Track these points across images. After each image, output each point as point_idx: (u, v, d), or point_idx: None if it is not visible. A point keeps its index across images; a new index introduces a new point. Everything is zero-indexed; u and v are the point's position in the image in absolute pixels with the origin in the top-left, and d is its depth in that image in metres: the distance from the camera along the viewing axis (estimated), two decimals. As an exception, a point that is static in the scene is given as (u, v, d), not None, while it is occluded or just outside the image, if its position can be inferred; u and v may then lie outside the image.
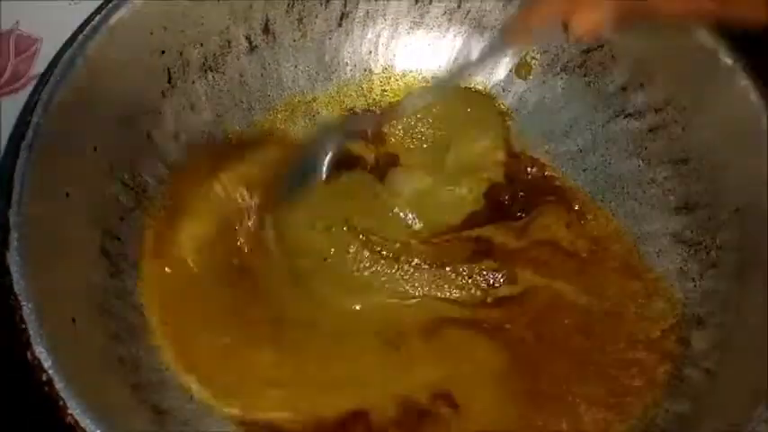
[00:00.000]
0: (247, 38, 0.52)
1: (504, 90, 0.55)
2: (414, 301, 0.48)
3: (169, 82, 0.49)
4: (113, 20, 0.44)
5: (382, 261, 0.48)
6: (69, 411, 0.34)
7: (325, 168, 0.50)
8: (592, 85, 0.53)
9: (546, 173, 0.53)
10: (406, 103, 0.54)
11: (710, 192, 0.47)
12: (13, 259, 0.36)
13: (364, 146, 0.52)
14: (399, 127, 0.54)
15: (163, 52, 0.48)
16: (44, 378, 0.34)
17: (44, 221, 0.39)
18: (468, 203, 0.51)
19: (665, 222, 0.49)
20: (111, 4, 0.45)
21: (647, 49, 0.50)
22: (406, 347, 0.46)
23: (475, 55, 0.52)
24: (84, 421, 0.34)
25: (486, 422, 0.44)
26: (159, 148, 0.48)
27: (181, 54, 0.49)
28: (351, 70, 0.55)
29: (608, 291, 0.49)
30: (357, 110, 0.55)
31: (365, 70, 0.55)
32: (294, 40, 0.53)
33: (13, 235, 0.37)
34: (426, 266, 0.48)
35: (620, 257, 0.50)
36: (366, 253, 0.48)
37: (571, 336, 0.47)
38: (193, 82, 0.50)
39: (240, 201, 0.49)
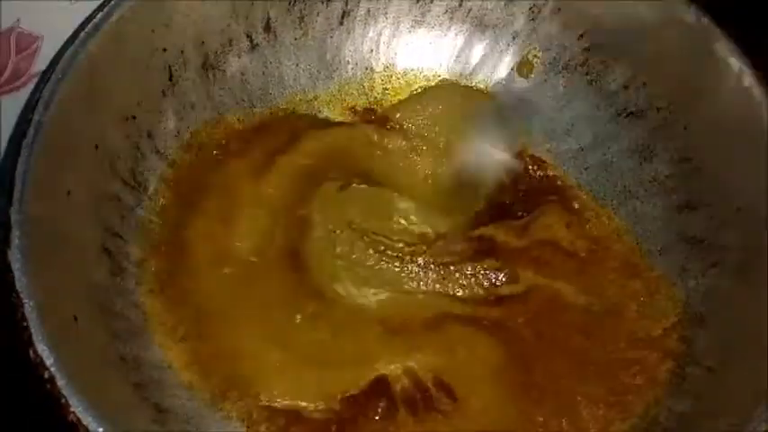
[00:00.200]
0: (249, 36, 0.52)
1: (505, 89, 0.55)
2: (418, 296, 0.48)
3: (170, 80, 0.49)
4: (115, 17, 0.44)
5: (386, 260, 0.48)
6: (71, 409, 0.33)
7: None
8: (593, 83, 0.53)
9: (548, 172, 0.53)
10: None
11: (712, 190, 0.47)
12: (14, 257, 0.36)
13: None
14: (400, 126, 0.54)
15: (164, 50, 0.48)
16: (46, 376, 0.34)
17: (45, 220, 0.39)
18: (470, 203, 0.51)
19: (667, 221, 0.49)
20: (112, 2, 0.45)
21: (649, 48, 0.50)
22: (410, 335, 0.46)
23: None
24: (87, 419, 0.33)
25: (485, 421, 0.44)
26: (160, 147, 0.48)
27: (182, 52, 0.49)
28: (352, 69, 0.55)
29: (609, 289, 0.48)
30: (358, 108, 0.55)
31: (366, 69, 0.55)
32: (295, 39, 0.53)
33: (15, 233, 0.37)
34: (430, 265, 0.48)
35: (622, 256, 0.50)
36: (371, 251, 0.48)
37: (572, 334, 0.47)
38: (194, 80, 0.50)
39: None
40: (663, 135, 0.50)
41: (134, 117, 0.47)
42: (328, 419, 0.43)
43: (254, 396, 0.43)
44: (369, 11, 0.54)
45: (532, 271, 0.49)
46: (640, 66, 0.51)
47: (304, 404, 0.43)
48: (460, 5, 0.54)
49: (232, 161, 0.50)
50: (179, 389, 0.42)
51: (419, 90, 0.56)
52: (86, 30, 0.44)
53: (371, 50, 0.55)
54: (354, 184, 0.50)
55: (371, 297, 0.47)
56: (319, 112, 0.54)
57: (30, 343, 0.35)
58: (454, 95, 0.55)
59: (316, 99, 0.54)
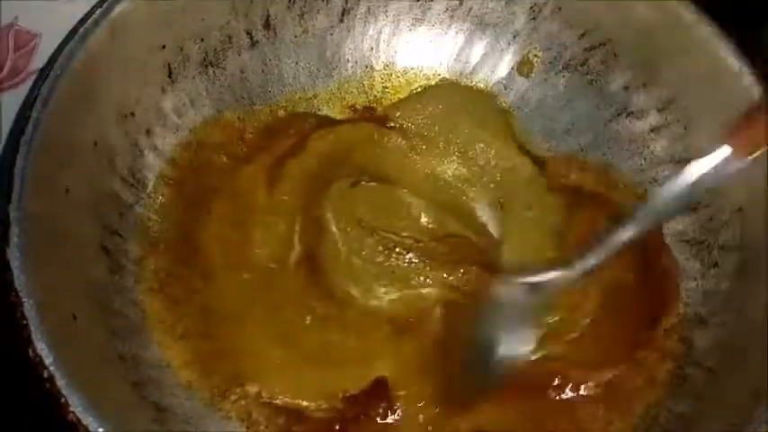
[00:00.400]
0: (248, 33, 0.51)
1: (505, 88, 0.55)
2: (428, 292, 0.48)
3: (169, 77, 0.49)
4: (114, 14, 0.44)
5: (395, 257, 0.48)
6: (71, 409, 0.33)
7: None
8: (594, 83, 0.53)
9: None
10: None
11: (712, 191, 0.47)
12: (13, 255, 0.36)
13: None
14: (400, 125, 0.54)
15: (163, 47, 0.48)
16: (45, 375, 0.34)
17: (44, 217, 0.39)
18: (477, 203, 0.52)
19: (667, 222, 0.49)
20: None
21: (649, 48, 0.50)
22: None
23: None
24: (86, 419, 0.33)
25: (485, 421, 0.44)
26: (159, 145, 0.48)
27: (181, 49, 0.49)
28: (352, 67, 0.55)
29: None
30: (358, 106, 0.55)
31: (366, 67, 0.55)
32: (295, 36, 0.53)
33: (14, 230, 0.37)
34: (438, 263, 0.48)
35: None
36: (380, 248, 0.48)
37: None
38: (194, 77, 0.50)
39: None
40: (663, 135, 0.50)
41: (133, 114, 0.46)
42: (330, 419, 0.43)
43: (255, 393, 0.43)
44: (369, 9, 0.54)
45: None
46: (641, 66, 0.51)
47: (305, 403, 0.43)
48: (461, 4, 0.54)
49: (242, 166, 0.50)
50: (178, 388, 0.42)
51: (419, 89, 0.56)
52: (85, 26, 0.43)
53: (371, 48, 0.55)
54: (363, 182, 0.50)
55: (383, 296, 0.47)
56: (319, 110, 0.54)
57: (29, 341, 0.35)
58: (454, 95, 0.55)
59: (315, 97, 0.54)
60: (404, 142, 0.53)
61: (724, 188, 0.46)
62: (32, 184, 0.39)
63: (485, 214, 0.52)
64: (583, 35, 0.52)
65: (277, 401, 0.43)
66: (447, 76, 0.56)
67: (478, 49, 0.55)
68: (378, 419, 0.43)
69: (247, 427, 0.42)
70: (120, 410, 0.37)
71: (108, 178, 0.45)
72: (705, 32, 0.47)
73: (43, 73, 0.42)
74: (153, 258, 0.46)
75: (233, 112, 0.52)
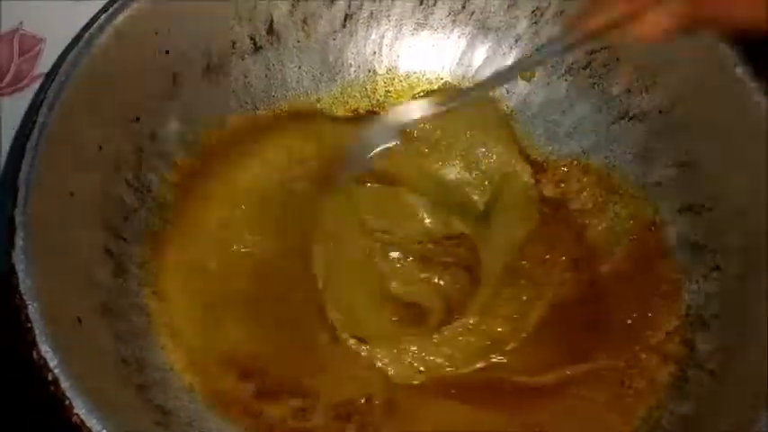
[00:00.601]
0: (252, 38, 0.52)
1: (507, 92, 0.55)
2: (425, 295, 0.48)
3: (174, 82, 0.49)
4: (119, 20, 0.44)
5: (395, 259, 0.48)
6: (75, 411, 0.33)
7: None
8: (596, 86, 0.53)
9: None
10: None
11: (715, 194, 0.47)
12: (18, 258, 0.36)
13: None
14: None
15: (167, 52, 0.48)
16: (50, 378, 0.34)
17: (49, 221, 0.39)
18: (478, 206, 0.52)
19: (670, 224, 0.49)
20: (116, 5, 0.45)
21: (651, 51, 0.50)
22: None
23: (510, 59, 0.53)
24: (91, 421, 0.33)
25: (485, 421, 0.44)
26: (164, 149, 0.48)
27: (185, 54, 0.49)
28: (355, 71, 0.55)
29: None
30: (361, 110, 0.55)
31: (369, 71, 0.55)
32: (298, 41, 0.53)
33: (19, 234, 0.37)
34: (438, 265, 0.48)
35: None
36: (379, 250, 0.48)
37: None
38: (198, 82, 0.50)
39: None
40: (665, 138, 0.50)
41: (138, 119, 0.47)
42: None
43: (257, 394, 0.43)
44: (372, 13, 0.54)
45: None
46: (643, 69, 0.51)
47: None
48: (463, 8, 0.54)
49: (246, 168, 0.50)
50: (181, 391, 0.42)
51: (421, 93, 0.56)
52: (90, 31, 0.44)
53: (374, 53, 0.55)
54: (369, 183, 0.50)
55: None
56: (322, 114, 0.54)
57: (33, 344, 0.35)
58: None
59: (318, 101, 0.55)
60: (406, 145, 0.53)
61: (727, 191, 0.47)
62: (38, 189, 0.39)
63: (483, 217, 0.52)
64: (584, 38, 0.52)
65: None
66: (449, 80, 0.56)
67: (481, 53, 0.55)
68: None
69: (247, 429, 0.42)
70: (124, 413, 0.37)
71: (113, 182, 0.45)
72: (708, 36, 0.47)
73: (49, 78, 0.43)
74: (157, 262, 0.46)
75: (237, 116, 0.52)
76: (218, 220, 0.48)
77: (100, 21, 0.44)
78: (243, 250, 0.48)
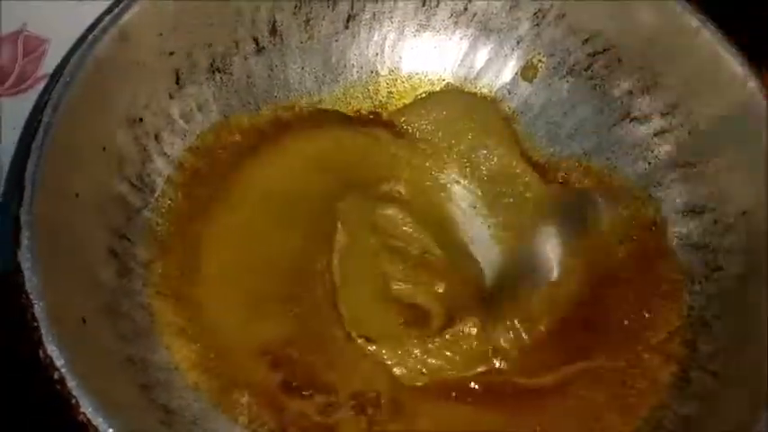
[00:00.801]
0: (255, 39, 0.52)
1: (509, 93, 0.55)
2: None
3: (177, 83, 0.49)
4: (123, 21, 0.44)
5: (398, 260, 0.48)
6: (81, 410, 0.34)
7: None
8: (598, 88, 0.53)
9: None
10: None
11: (717, 195, 0.48)
12: (24, 257, 0.36)
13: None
14: (405, 130, 0.54)
15: (172, 53, 0.48)
16: (56, 376, 0.34)
17: (54, 221, 0.39)
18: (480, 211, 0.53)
19: (672, 225, 0.50)
20: (120, 6, 0.45)
21: (653, 53, 0.50)
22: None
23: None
24: (97, 420, 0.34)
25: (485, 422, 0.44)
26: (167, 149, 0.48)
27: (189, 55, 0.49)
28: (357, 72, 0.55)
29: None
30: (363, 112, 0.55)
31: (371, 72, 0.56)
32: (301, 42, 0.53)
33: (25, 233, 0.37)
34: (438, 272, 0.49)
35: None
36: (386, 250, 0.49)
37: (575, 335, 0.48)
38: (201, 83, 0.50)
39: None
40: (666, 140, 0.51)
41: (141, 120, 0.47)
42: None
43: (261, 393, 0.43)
44: (374, 14, 0.54)
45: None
46: (644, 71, 0.51)
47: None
48: (465, 10, 0.55)
49: (250, 169, 0.50)
50: (186, 390, 0.42)
51: (423, 94, 0.56)
52: (95, 32, 0.44)
53: (376, 54, 0.55)
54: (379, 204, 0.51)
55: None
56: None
57: (39, 343, 0.35)
58: (458, 101, 0.55)
59: (320, 102, 0.55)
60: (409, 146, 0.53)
61: (728, 192, 0.47)
62: (43, 189, 0.39)
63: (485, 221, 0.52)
64: (586, 41, 0.53)
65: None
66: (451, 82, 0.56)
67: (483, 54, 0.55)
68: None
69: (253, 430, 0.42)
70: (129, 412, 0.37)
71: (116, 182, 0.45)
72: (709, 37, 0.48)
73: (53, 78, 0.43)
74: (161, 262, 0.46)
75: (239, 116, 0.52)
76: (227, 220, 0.48)
77: (104, 22, 0.44)
78: (247, 250, 0.48)
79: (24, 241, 0.37)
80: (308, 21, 0.53)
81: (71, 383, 0.34)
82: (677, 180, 0.50)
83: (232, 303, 0.46)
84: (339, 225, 0.48)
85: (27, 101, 0.51)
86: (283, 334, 0.45)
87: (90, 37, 0.44)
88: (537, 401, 0.45)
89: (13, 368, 0.45)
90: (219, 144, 0.51)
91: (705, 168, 0.49)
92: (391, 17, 0.55)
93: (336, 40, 0.54)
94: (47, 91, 0.42)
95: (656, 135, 0.51)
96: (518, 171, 0.53)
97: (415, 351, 0.45)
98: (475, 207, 0.53)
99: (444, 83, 0.56)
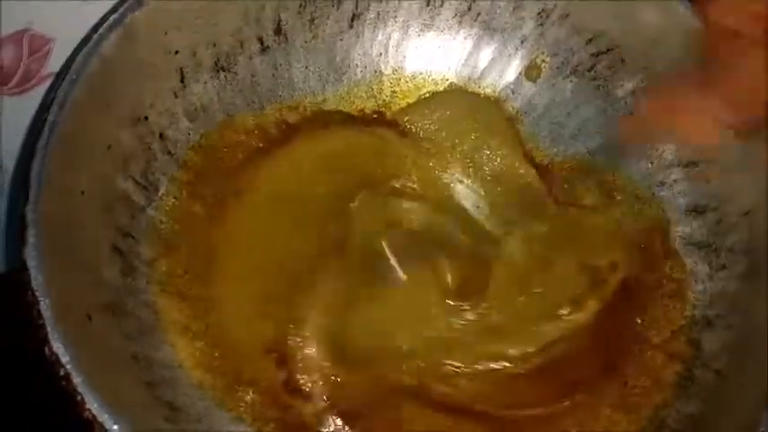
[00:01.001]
0: (259, 39, 0.52)
1: (513, 93, 0.55)
2: None
3: (182, 82, 0.49)
4: (128, 20, 0.44)
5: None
6: (87, 406, 0.34)
7: None
8: (601, 88, 0.53)
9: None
10: None
11: (720, 194, 0.48)
12: (30, 255, 0.37)
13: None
14: (408, 129, 0.54)
15: (176, 52, 0.48)
16: (61, 373, 0.34)
17: (60, 219, 0.39)
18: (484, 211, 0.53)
19: (675, 225, 0.50)
20: (125, 5, 0.45)
21: (656, 53, 0.50)
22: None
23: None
24: (102, 416, 0.34)
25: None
26: (172, 148, 0.49)
27: (194, 54, 0.49)
28: (361, 72, 0.55)
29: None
30: (366, 111, 0.55)
31: (375, 72, 0.56)
32: (305, 42, 0.53)
33: (30, 231, 0.37)
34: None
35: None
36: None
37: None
38: (206, 82, 0.50)
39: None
40: (670, 139, 0.51)
41: (146, 118, 0.47)
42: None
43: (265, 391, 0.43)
44: (378, 14, 0.54)
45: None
46: (648, 71, 0.51)
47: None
48: (470, 9, 0.55)
49: (254, 169, 0.50)
50: (190, 388, 0.42)
51: (427, 94, 0.56)
52: (100, 31, 0.44)
53: (380, 54, 0.55)
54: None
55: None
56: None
57: (45, 341, 0.35)
58: (461, 101, 0.56)
59: (324, 101, 0.55)
60: (413, 146, 0.53)
61: (732, 191, 0.47)
62: (48, 187, 0.39)
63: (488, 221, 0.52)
64: (590, 41, 0.53)
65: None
66: (455, 81, 0.56)
67: (486, 54, 0.55)
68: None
69: (258, 428, 0.42)
70: (134, 409, 0.37)
71: (121, 181, 0.45)
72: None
73: (59, 77, 0.43)
74: (165, 260, 0.46)
75: (243, 115, 0.52)
76: (237, 220, 0.48)
77: (109, 21, 0.44)
78: (250, 248, 0.48)
79: (30, 239, 0.37)
80: (312, 20, 0.53)
81: (77, 380, 0.34)
82: (680, 180, 0.50)
83: (238, 302, 0.46)
84: (352, 224, 0.49)
85: (32, 100, 0.51)
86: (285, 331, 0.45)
87: (95, 36, 0.44)
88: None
89: (18, 365, 0.46)
90: (224, 143, 0.51)
91: (708, 167, 0.49)
92: (395, 17, 0.55)
93: (341, 40, 0.54)
94: (52, 89, 0.42)
95: (659, 134, 0.51)
96: (521, 171, 0.53)
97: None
98: (478, 207, 0.53)
99: (448, 82, 0.56)
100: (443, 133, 0.54)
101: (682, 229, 0.49)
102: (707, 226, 0.48)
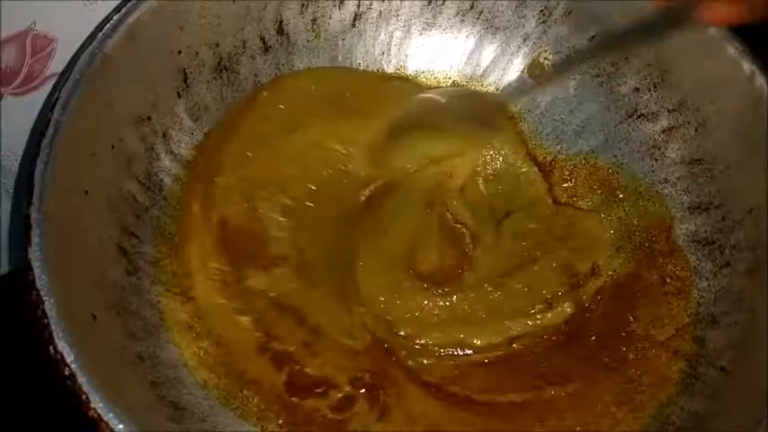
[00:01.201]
0: (262, 38, 0.52)
1: (516, 90, 0.55)
2: None
3: (185, 82, 0.49)
4: (131, 20, 0.45)
5: None
6: (92, 405, 0.34)
7: None
8: (604, 85, 0.53)
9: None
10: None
11: (724, 192, 0.48)
12: (34, 255, 0.37)
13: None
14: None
15: (179, 52, 0.48)
16: (66, 372, 0.34)
17: (64, 219, 0.39)
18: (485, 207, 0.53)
19: (679, 222, 0.50)
20: (128, 5, 0.45)
21: (659, 49, 0.50)
22: None
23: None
24: (107, 415, 0.34)
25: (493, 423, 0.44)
26: (175, 148, 0.49)
27: (196, 54, 0.49)
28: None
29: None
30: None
31: (378, 71, 0.56)
32: (308, 41, 0.54)
33: (35, 231, 0.37)
34: None
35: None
36: None
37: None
38: (208, 82, 0.50)
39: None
40: (673, 137, 0.51)
41: (149, 118, 0.47)
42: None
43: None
44: (381, 13, 0.54)
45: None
46: (651, 68, 0.51)
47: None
48: (472, 8, 0.55)
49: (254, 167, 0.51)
50: (195, 387, 0.42)
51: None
52: (104, 31, 0.44)
53: (383, 53, 0.55)
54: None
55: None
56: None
57: (50, 340, 0.35)
58: (461, 102, 0.55)
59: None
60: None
61: (736, 189, 0.47)
62: (52, 187, 0.39)
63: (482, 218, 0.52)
64: (593, 37, 0.53)
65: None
66: (458, 80, 0.56)
67: (489, 52, 0.55)
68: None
69: (262, 426, 0.43)
70: (139, 408, 0.37)
71: (125, 181, 0.45)
72: (716, 34, 0.47)
73: (63, 76, 0.43)
74: (169, 260, 0.46)
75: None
76: (227, 217, 0.48)
77: (112, 21, 0.44)
78: (253, 246, 0.48)
79: (34, 239, 0.37)
80: (314, 20, 0.53)
81: (82, 379, 0.34)
82: (684, 177, 0.50)
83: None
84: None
85: (35, 100, 0.51)
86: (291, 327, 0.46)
87: (98, 36, 0.44)
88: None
89: (24, 365, 0.46)
90: (226, 142, 0.51)
91: (712, 165, 0.48)
92: (398, 15, 0.55)
93: (343, 39, 0.54)
94: (56, 89, 0.42)
95: (662, 132, 0.51)
96: (523, 170, 0.53)
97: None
98: (476, 204, 0.53)
99: (450, 81, 0.56)
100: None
101: (686, 227, 0.49)
102: (711, 223, 0.48)
